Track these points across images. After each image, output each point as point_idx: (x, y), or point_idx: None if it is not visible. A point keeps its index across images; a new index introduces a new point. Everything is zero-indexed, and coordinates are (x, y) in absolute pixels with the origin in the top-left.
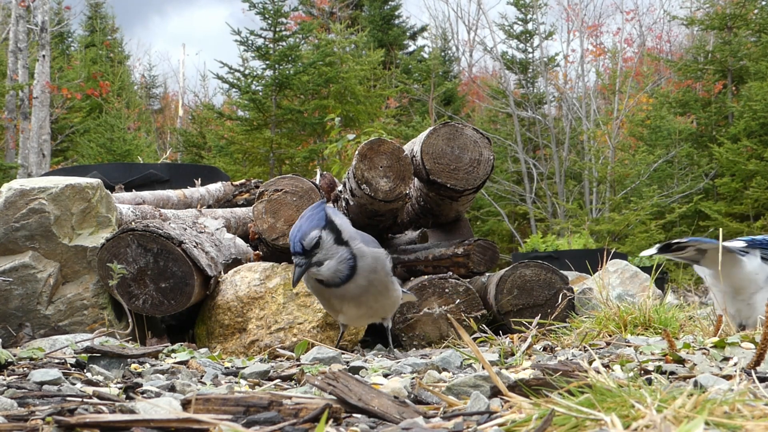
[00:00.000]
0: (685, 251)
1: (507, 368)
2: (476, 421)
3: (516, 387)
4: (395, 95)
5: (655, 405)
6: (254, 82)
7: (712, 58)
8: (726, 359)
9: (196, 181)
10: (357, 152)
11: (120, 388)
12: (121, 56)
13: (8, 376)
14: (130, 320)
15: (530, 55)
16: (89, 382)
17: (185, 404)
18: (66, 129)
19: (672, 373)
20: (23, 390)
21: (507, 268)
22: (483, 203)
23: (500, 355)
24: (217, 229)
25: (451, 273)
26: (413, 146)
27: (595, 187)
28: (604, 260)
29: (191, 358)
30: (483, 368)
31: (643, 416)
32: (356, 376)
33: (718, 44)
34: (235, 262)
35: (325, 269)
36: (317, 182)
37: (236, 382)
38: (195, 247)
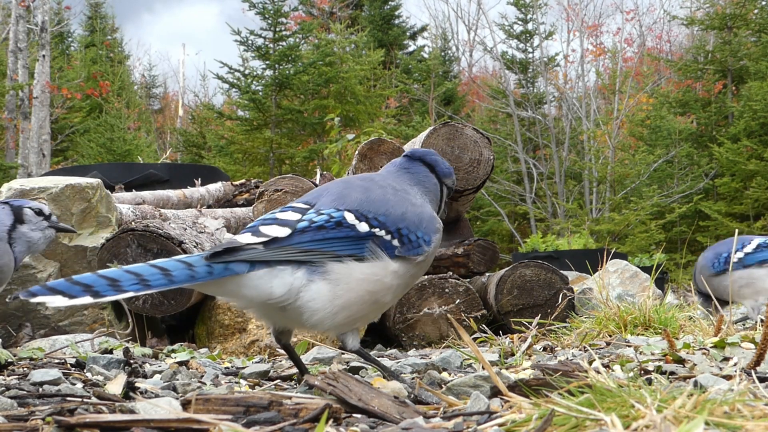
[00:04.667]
0: None
1: (507, 368)
2: (476, 421)
3: (516, 387)
4: (395, 95)
5: (655, 405)
6: (254, 82)
7: (712, 58)
8: (726, 359)
9: (196, 181)
10: (357, 152)
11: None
12: (121, 56)
13: (8, 376)
14: (130, 320)
15: (530, 55)
16: (89, 382)
17: (185, 404)
18: (66, 129)
19: (672, 373)
20: (23, 390)
21: (507, 268)
22: (483, 203)
23: (500, 355)
24: (217, 229)
25: (451, 273)
26: (413, 146)
27: (595, 187)
28: (604, 260)
29: (191, 358)
30: (483, 368)
31: (643, 416)
32: (356, 376)
33: (718, 44)
34: None
35: None
36: (317, 182)
37: (236, 382)
38: (195, 247)
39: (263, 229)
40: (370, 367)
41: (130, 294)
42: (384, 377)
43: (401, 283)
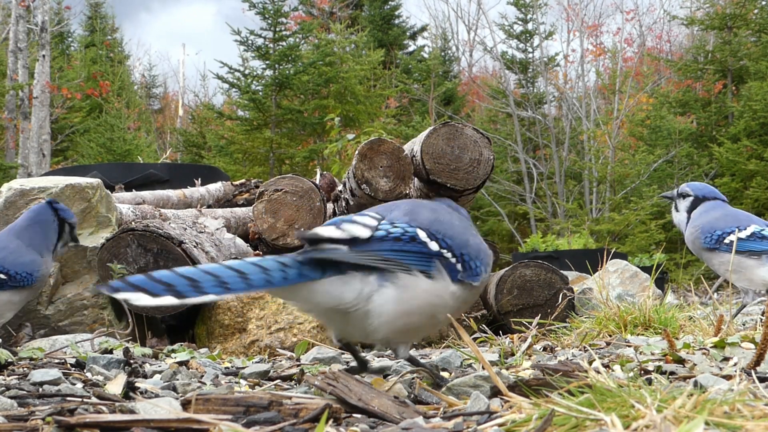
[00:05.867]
0: None
1: (507, 368)
2: (476, 421)
3: (516, 387)
4: (395, 95)
5: (655, 405)
6: (254, 82)
7: (712, 58)
8: (726, 359)
9: (196, 181)
10: (357, 152)
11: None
12: (121, 56)
13: (8, 376)
14: (130, 320)
15: (530, 55)
16: (89, 382)
17: (185, 404)
18: (66, 129)
19: (672, 373)
20: (23, 390)
21: (507, 268)
22: (483, 203)
23: (500, 355)
24: (217, 229)
25: None
26: (413, 146)
27: (595, 187)
28: (604, 260)
29: (191, 358)
30: (483, 368)
31: (643, 416)
32: (356, 376)
33: (718, 44)
34: None
35: None
36: (317, 182)
37: (236, 382)
38: (195, 247)
39: (345, 225)
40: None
41: (211, 297)
42: (435, 383)
43: (455, 305)
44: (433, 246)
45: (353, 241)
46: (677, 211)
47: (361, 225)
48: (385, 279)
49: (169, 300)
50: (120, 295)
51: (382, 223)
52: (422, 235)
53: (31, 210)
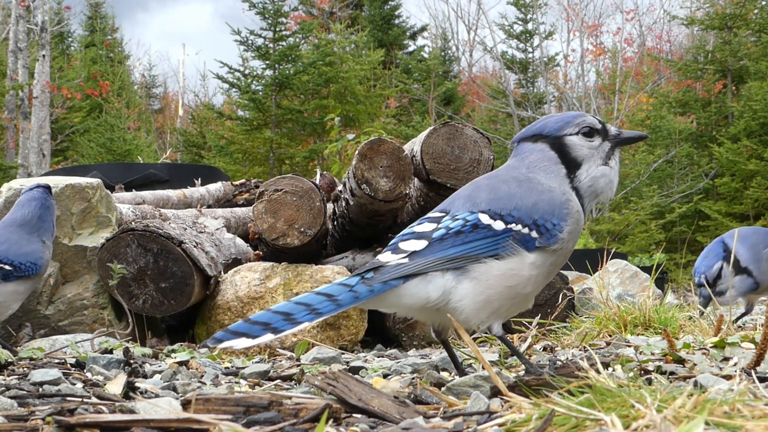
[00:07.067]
0: None
1: (507, 368)
2: (476, 421)
3: (516, 387)
4: (395, 95)
5: (655, 405)
6: (254, 82)
7: (712, 58)
8: (726, 359)
9: (196, 181)
10: (357, 152)
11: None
12: (121, 56)
13: (8, 376)
14: (130, 320)
15: (530, 55)
16: (89, 382)
17: (185, 404)
18: (66, 129)
19: (672, 373)
20: (23, 390)
21: None
22: None
23: (500, 355)
24: (217, 229)
25: None
26: (413, 146)
27: None
28: (604, 260)
29: (191, 358)
30: (483, 368)
31: (643, 416)
32: (356, 376)
33: (718, 44)
34: (235, 262)
35: None
36: (317, 182)
37: (236, 382)
38: (195, 247)
39: (402, 245)
40: (369, 366)
41: (305, 324)
42: (528, 370)
43: (541, 272)
44: (499, 225)
45: (413, 254)
46: (720, 292)
47: (417, 237)
48: (459, 274)
49: (268, 337)
50: (223, 345)
51: (443, 221)
52: (485, 219)
53: (32, 198)
